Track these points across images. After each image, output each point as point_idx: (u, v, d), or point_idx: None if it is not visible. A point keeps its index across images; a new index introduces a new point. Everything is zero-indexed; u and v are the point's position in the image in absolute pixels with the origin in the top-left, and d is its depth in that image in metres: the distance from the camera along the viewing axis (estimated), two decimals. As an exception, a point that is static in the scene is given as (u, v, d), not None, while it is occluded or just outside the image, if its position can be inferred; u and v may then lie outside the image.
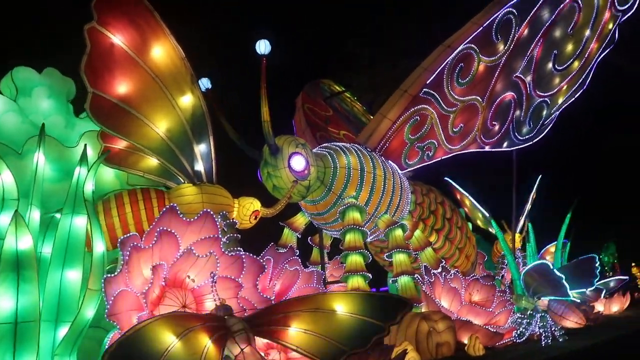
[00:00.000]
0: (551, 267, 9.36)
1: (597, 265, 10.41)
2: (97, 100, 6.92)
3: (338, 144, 9.86)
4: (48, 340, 6.03)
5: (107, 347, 4.36)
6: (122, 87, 6.99)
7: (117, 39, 6.86)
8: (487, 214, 14.72)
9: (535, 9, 10.23)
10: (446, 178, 14.91)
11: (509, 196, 13.49)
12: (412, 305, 5.66)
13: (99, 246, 6.34)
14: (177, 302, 5.95)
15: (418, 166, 10.45)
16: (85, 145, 7.02)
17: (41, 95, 8.36)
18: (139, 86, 7.06)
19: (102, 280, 5.48)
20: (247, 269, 6.31)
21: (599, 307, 13.54)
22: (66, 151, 7.85)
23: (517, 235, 13.61)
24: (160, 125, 7.25)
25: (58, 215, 6.58)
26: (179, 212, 6.01)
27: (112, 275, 5.52)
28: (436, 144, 10.37)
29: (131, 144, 7.35)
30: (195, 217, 6.08)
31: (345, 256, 8.93)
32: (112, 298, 5.45)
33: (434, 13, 16.11)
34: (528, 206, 15.27)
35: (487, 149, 11.28)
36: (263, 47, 7.96)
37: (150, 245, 5.74)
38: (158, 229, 5.79)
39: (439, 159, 10.67)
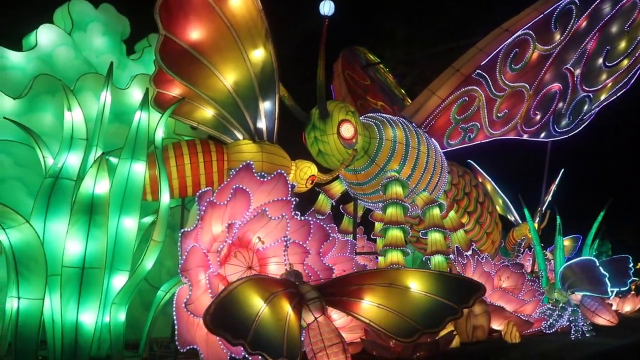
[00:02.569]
0: (597, 263, 9.28)
1: (630, 265, 10.37)
2: (168, 44, 6.46)
3: (385, 115, 9.56)
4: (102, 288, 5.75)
5: (206, 308, 4.10)
6: (195, 33, 6.55)
7: (197, -18, 6.40)
8: (508, 201, 14.68)
9: (598, 1, 9.92)
10: (469, 161, 14.72)
11: (527, 186, 13.38)
12: (485, 290, 5.46)
13: (165, 196, 6.03)
14: (243, 262, 5.72)
15: (458, 147, 10.24)
16: (147, 89, 6.64)
17: (96, 32, 7.94)
18: (213, 35, 6.62)
19: (180, 233, 5.19)
20: (312, 236, 6.07)
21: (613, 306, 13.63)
22: (117, 92, 7.45)
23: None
24: (229, 77, 6.86)
25: (112, 159, 6.22)
26: (254, 170, 5.71)
27: (189, 229, 5.24)
28: (479, 126, 10.14)
29: (188, 92, 6.91)
30: (268, 178, 5.80)
31: (385, 230, 8.72)
32: (186, 253, 5.18)
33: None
34: (548, 198, 15.22)
35: (525, 137, 11.09)
36: (327, 8, 7.61)
37: (225, 202, 5.45)
38: (234, 186, 5.50)
39: (479, 142, 10.46)
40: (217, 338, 4.86)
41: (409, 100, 12.86)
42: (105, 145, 6.20)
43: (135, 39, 8.66)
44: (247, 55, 6.86)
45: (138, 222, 6.05)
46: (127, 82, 7.77)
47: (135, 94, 7.61)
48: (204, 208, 5.32)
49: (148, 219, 6.61)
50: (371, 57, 13.32)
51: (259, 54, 6.96)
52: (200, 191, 5.41)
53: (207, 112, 7.11)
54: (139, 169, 6.13)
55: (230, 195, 5.43)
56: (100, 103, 6.16)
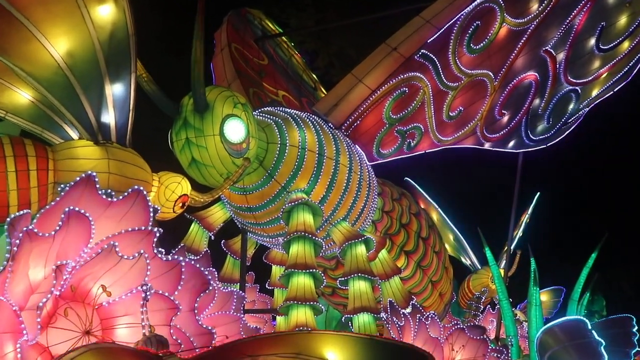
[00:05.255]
0: (589, 326, 9.74)
1: (635, 329, 10.91)
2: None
3: (289, 110, 9.77)
4: None
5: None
6: (7, -24, 6.46)
7: None
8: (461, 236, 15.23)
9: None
10: (407, 179, 15.23)
11: (489, 216, 13.92)
12: (433, 361, 5.71)
13: (-41, 223, 5.88)
14: (78, 324, 5.68)
15: (393, 158, 10.58)
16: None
17: None
18: (35, -21, 6.56)
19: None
20: (184, 284, 6.12)
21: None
22: None
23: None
24: (59, 45, 6.75)
25: None
26: (97, 185, 5.69)
27: (-8, 274, 5.13)
28: (423, 130, 10.53)
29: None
30: (119, 197, 5.79)
31: (287, 276, 8.85)
32: (-12, 311, 5.07)
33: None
34: (519, 233, 15.85)
35: (487, 146, 11.61)
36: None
37: (52, 233, 5.38)
38: (65, 209, 5.45)
39: (422, 152, 10.85)
40: None
41: (324, 90, 13.17)
42: None
43: None
44: (88, 13, 6.82)
45: None
46: None
47: None
48: (17, 241, 5.23)
49: None
50: (269, 25, 13.53)
51: (106, 12, 6.94)
52: (11, 215, 5.31)
53: (23, 96, 7.04)
54: None
55: (60, 223, 5.38)
56: None
